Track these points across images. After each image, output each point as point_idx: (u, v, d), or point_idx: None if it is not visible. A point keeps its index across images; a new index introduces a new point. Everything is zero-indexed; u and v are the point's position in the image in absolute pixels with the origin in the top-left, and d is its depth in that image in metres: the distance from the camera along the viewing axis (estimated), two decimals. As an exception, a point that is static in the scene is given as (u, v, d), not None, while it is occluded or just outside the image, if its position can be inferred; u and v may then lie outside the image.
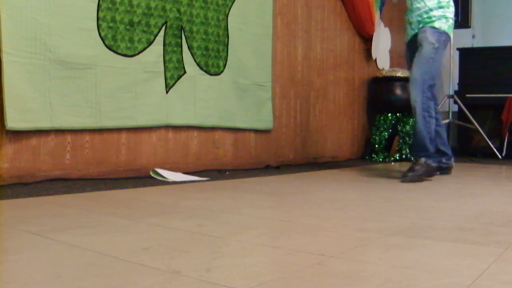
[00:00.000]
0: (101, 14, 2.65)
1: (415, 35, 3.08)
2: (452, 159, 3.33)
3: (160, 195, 2.22)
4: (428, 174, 2.94)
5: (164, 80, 3.00)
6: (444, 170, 3.27)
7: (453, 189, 2.72)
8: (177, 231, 1.43)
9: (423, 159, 2.91)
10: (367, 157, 4.78)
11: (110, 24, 2.69)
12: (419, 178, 2.87)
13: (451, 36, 3.06)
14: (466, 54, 5.77)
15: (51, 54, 2.44)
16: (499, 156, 5.09)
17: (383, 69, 5.15)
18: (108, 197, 2.10)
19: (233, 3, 3.39)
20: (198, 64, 3.19)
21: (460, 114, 5.54)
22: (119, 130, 2.80)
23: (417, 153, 2.98)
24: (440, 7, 3.00)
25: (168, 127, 3.08)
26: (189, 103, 3.15)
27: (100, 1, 2.64)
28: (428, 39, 2.96)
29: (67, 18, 2.50)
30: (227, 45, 3.37)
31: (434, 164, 2.96)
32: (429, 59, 2.93)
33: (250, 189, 2.45)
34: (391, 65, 5.35)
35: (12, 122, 2.30)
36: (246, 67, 3.51)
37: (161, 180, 2.70)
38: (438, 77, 3.20)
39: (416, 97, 2.91)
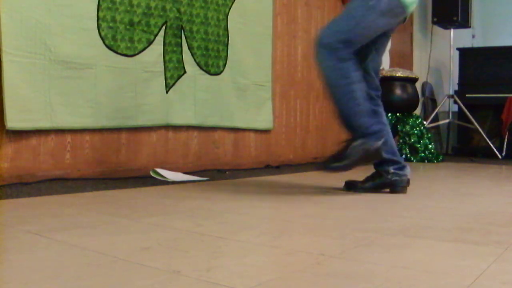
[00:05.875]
0: (101, 14, 2.65)
1: None
2: (407, 169, 2.35)
3: (160, 195, 2.21)
4: (366, 158, 2.23)
5: (164, 80, 3.00)
6: (395, 185, 2.33)
7: (453, 189, 2.72)
8: (177, 231, 1.43)
9: (358, 141, 2.19)
10: (367, 157, 4.78)
11: (110, 24, 2.69)
12: (348, 166, 2.22)
13: (408, 11, 2.20)
14: (466, 54, 5.77)
15: (51, 54, 2.44)
16: (499, 156, 5.09)
17: (383, 69, 5.14)
18: (108, 197, 2.10)
19: (233, 3, 3.39)
20: (198, 64, 3.19)
21: (460, 114, 5.55)
22: (119, 130, 2.80)
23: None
24: None
25: (168, 127, 3.08)
26: (189, 103, 3.15)
27: (100, 1, 2.64)
28: None
29: (67, 18, 2.50)
30: (227, 45, 3.36)
31: (375, 145, 2.20)
32: (354, 16, 2.13)
33: (250, 189, 2.45)
34: (391, 65, 5.35)
35: (12, 122, 2.30)
36: (246, 67, 3.51)
37: (161, 180, 2.70)
38: (366, 47, 2.25)
39: (322, 61, 2.16)
